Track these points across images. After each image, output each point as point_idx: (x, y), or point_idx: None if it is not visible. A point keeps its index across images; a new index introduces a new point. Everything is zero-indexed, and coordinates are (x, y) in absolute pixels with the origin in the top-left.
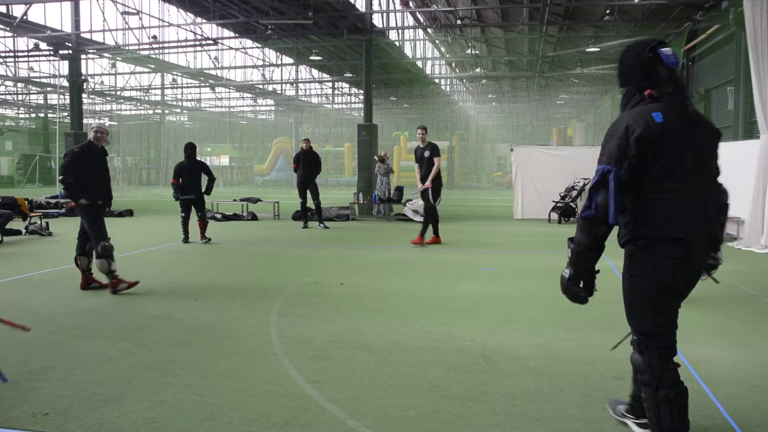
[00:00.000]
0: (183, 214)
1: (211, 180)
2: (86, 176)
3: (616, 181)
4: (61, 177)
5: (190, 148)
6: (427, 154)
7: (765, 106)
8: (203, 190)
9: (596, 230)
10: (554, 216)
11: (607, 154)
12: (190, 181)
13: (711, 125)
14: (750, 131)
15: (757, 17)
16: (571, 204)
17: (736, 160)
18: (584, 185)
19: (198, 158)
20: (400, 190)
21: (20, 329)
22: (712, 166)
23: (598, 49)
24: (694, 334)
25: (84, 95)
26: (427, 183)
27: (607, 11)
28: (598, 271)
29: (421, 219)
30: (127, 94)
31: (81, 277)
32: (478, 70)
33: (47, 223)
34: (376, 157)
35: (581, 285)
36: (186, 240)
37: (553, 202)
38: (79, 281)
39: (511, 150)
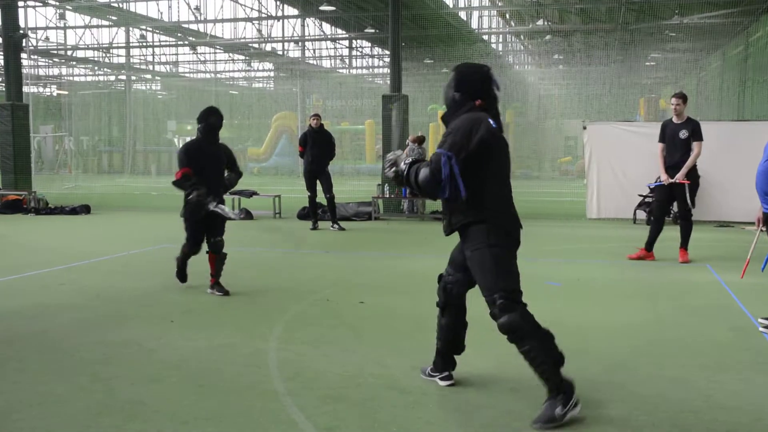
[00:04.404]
0: (188, 238)
1: (238, 175)
2: None
3: (457, 167)
4: None
5: (215, 116)
6: (684, 134)
7: None
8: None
9: (435, 192)
10: (641, 214)
11: (449, 143)
12: (213, 175)
13: None
14: None
15: None
16: None
17: None
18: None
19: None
20: None
21: None
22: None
23: None
24: None
25: (23, 55)
26: (680, 175)
27: None
28: None
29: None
30: (80, 54)
31: None
32: (540, 22)
33: None
34: (409, 140)
35: None
36: (183, 279)
37: (640, 196)
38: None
39: (584, 128)
